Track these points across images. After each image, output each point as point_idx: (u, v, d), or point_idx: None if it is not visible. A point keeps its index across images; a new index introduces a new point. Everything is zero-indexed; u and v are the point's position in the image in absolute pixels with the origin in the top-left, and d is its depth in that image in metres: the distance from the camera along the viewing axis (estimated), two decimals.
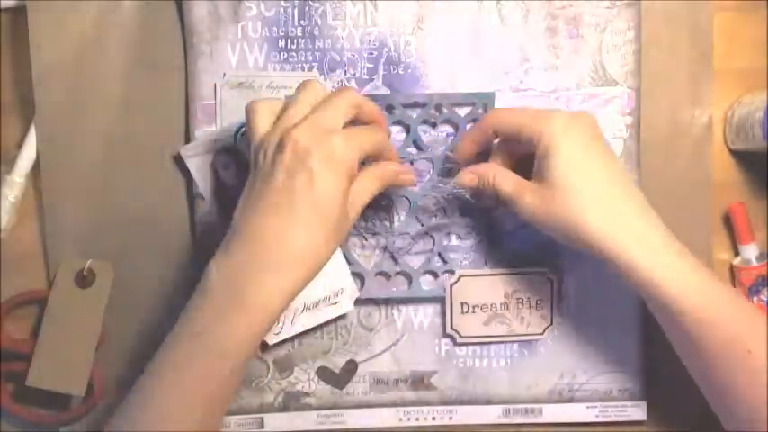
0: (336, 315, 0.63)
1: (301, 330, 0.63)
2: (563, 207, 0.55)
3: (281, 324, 0.62)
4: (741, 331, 0.54)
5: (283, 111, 0.54)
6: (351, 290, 0.63)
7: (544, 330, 0.65)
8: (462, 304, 0.64)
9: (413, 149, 0.64)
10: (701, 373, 0.57)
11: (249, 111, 0.55)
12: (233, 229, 0.53)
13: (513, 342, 0.65)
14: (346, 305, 0.63)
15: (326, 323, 0.64)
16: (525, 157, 0.58)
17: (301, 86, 0.56)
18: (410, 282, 0.65)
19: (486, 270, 0.64)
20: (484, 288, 0.64)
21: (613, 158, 0.57)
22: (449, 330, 0.64)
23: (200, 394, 0.52)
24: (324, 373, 0.65)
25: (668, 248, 0.55)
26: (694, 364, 0.57)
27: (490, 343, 0.65)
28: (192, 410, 0.52)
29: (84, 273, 0.63)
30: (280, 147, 0.52)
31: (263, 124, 0.55)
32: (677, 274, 0.54)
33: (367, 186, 0.56)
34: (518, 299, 0.64)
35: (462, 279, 0.64)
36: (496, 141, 0.60)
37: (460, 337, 0.64)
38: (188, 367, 0.52)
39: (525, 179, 0.57)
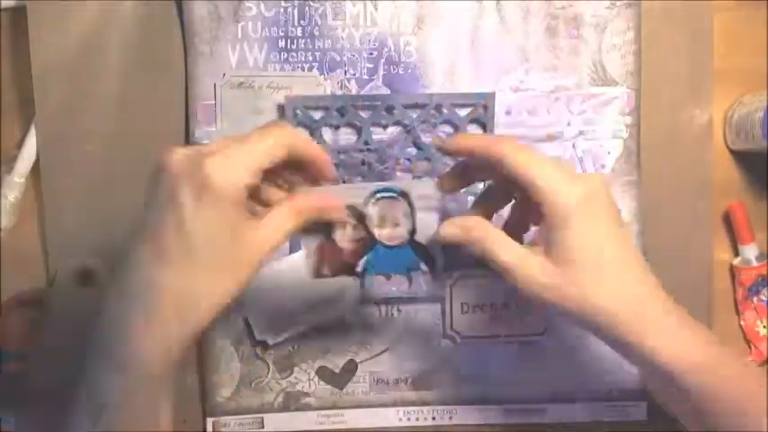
0: (336, 315, 0.63)
1: (301, 330, 0.63)
2: (572, 285, 0.48)
3: (280, 324, 0.62)
4: (742, 396, 0.49)
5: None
6: (350, 290, 0.63)
7: (544, 330, 0.65)
8: (462, 304, 0.64)
9: (413, 149, 0.64)
10: None
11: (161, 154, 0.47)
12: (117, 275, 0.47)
13: (513, 342, 0.65)
14: (346, 305, 0.63)
15: (326, 323, 0.64)
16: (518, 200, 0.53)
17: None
18: (410, 282, 0.65)
19: (486, 270, 0.64)
20: (484, 288, 0.64)
21: (625, 238, 0.50)
22: (449, 331, 0.64)
23: None
24: (324, 373, 0.65)
25: (677, 331, 0.49)
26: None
27: (490, 343, 0.65)
28: None
29: (84, 273, 0.63)
30: (154, 178, 0.46)
31: (169, 158, 0.46)
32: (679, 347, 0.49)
33: (280, 225, 0.47)
34: (518, 299, 0.64)
35: (462, 279, 0.64)
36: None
37: (461, 338, 0.64)
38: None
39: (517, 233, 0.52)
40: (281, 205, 0.48)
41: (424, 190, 0.53)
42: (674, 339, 0.48)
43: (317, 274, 0.53)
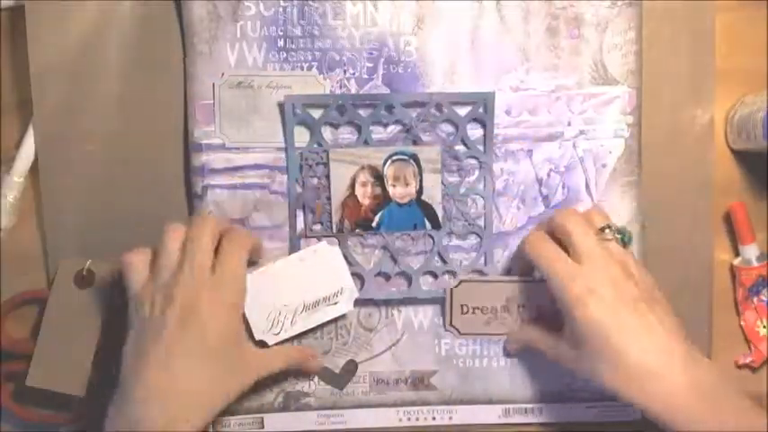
0: (336, 315, 0.63)
1: (301, 331, 0.63)
2: (591, 368, 0.56)
3: (280, 325, 0.62)
4: None
5: (156, 261, 0.57)
6: (350, 290, 0.63)
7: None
8: (462, 306, 0.64)
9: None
10: None
11: (124, 265, 0.58)
12: (124, 391, 0.55)
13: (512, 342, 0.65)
14: (346, 305, 0.63)
15: (326, 323, 0.64)
16: None
17: (163, 233, 0.58)
18: (410, 282, 0.65)
19: (487, 277, 0.64)
20: (484, 293, 0.64)
21: (641, 313, 0.56)
22: (448, 327, 0.64)
23: None
24: (324, 374, 0.65)
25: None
26: None
27: (490, 340, 0.65)
28: None
29: (84, 273, 0.63)
30: (164, 303, 0.55)
31: (138, 277, 0.57)
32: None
33: (284, 356, 0.62)
34: (519, 304, 0.64)
35: (463, 284, 0.64)
36: None
37: (460, 334, 0.65)
38: None
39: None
40: (282, 348, 0.62)
41: (430, 155, 0.62)
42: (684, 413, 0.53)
43: (339, 228, 0.63)
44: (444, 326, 0.65)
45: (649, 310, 0.56)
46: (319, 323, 0.63)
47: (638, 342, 0.55)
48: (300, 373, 0.64)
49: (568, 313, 0.56)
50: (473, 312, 0.64)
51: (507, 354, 0.65)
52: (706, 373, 0.54)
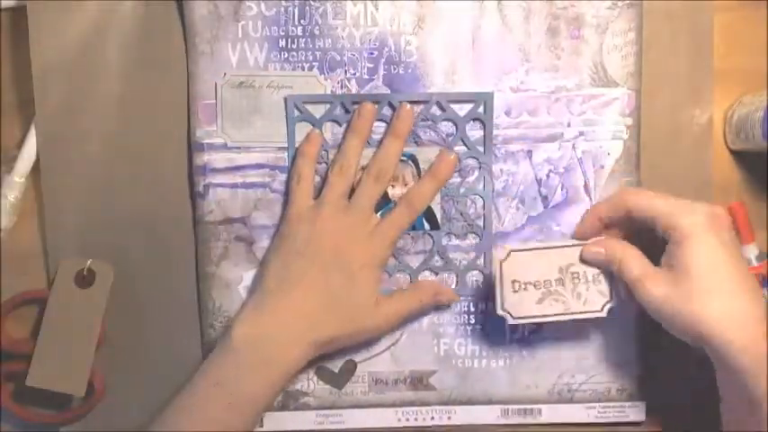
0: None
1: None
2: (687, 297, 0.55)
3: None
4: None
5: (326, 182, 0.62)
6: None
7: (603, 307, 0.60)
8: (514, 282, 0.60)
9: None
10: None
11: (295, 174, 0.62)
12: (263, 289, 0.60)
13: (570, 320, 0.61)
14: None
15: None
16: (647, 235, 0.59)
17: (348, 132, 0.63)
18: (410, 281, 0.65)
19: (538, 244, 0.63)
20: (536, 263, 0.60)
21: (744, 265, 0.57)
22: (500, 311, 0.60)
23: None
24: (323, 373, 0.65)
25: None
26: None
27: (546, 323, 0.61)
28: None
29: (84, 273, 0.63)
30: (319, 238, 0.60)
31: (303, 194, 0.62)
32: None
33: (403, 307, 0.63)
34: (573, 273, 0.61)
35: (512, 254, 0.60)
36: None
37: (513, 318, 0.60)
38: (202, 413, 0.57)
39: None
40: (408, 290, 0.64)
41: (429, 156, 0.63)
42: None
43: None
44: (497, 309, 0.60)
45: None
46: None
47: (751, 290, 0.55)
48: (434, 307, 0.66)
49: (685, 240, 0.55)
50: (525, 289, 0.61)
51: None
52: None
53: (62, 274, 0.63)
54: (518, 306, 0.60)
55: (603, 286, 0.60)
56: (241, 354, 0.58)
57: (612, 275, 0.60)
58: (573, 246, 0.61)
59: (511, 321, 0.60)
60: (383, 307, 0.61)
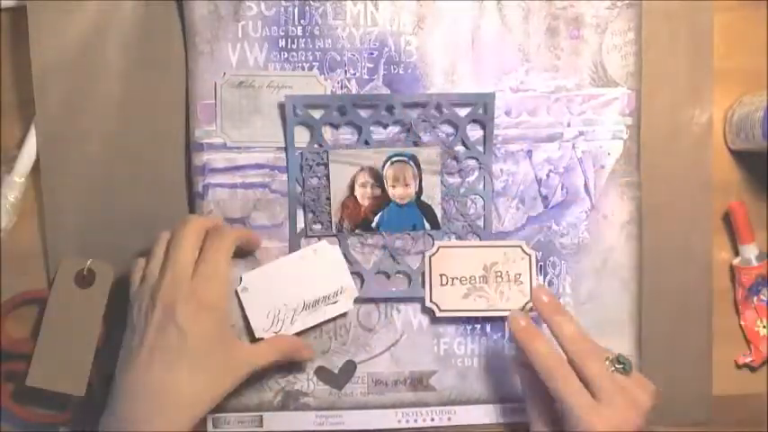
0: (335, 314, 0.63)
1: (300, 329, 0.63)
2: None
3: (280, 323, 0.62)
4: None
5: (146, 266, 0.59)
6: (350, 289, 0.63)
7: (524, 306, 0.63)
8: (441, 276, 0.64)
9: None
10: None
11: (130, 269, 0.60)
12: (115, 388, 0.57)
13: (493, 317, 0.65)
14: (345, 304, 0.63)
15: (325, 323, 0.64)
16: None
17: (154, 239, 0.60)
18: (410, 281, 0.65)
19: (465, 242, 0.64)
20: (462, 260, 0.64)
21: None
22: (428, 303, 0.64)
23: None
24: (322, 374, 0.65)
25: None
26: None
27: (470, 317, 0.65)
28: None
29: (84, 273, 0.63)
30: (149, 306, 0.57)
31: (134, 282, 0.59)
32: None
33: (265, 354, 0.60)
34: (496, 272, 0.63)
35: (441, 250, 0.64)
36: None
37: (440, 310, 0.64)
38: None
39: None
40: (272, 339, 0.62)
41: (429, 156, 0.63)
42: None
43: (339, 229, 0.63)
44: (426, 302, 0.64)
45: None
46: (319, 322, 0.63)
47: None
48: (294, 365, 0.64)
49: None
50: (452, 284, 0.64)
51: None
52: None
53: (62, 274, 0.63)
54: (445, 299, 0.64)
55: (524, 287, 0.63)
56: None
57: (532, 277, 0.63)
58: (498, 246, 0.63)
59: (438, 314, 0.64)
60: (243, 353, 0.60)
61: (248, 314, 0.62)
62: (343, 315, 0.64)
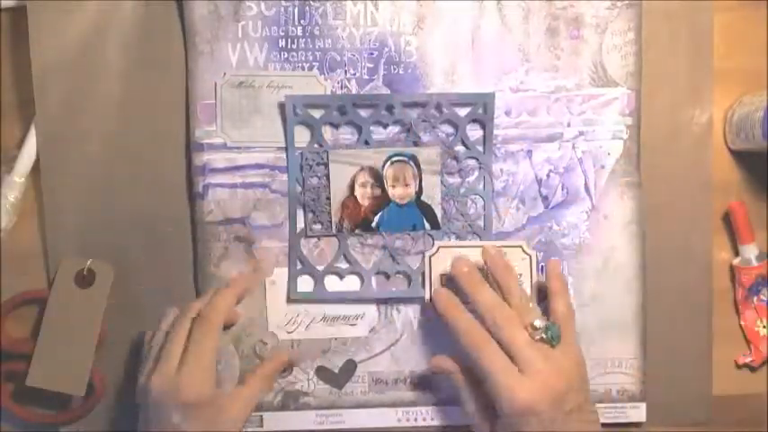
0: (350, 336, 0.64)
1: (313, 338, 0.64)
2: None
3: (295, 325, 0.63)
4: None
5: (148, 350, 0.61)
6: (371, 318, 0.64)
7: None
8: (441, 276, 0.63)
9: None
10: None
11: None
12: None
13: None
14: (362, 330, 0.64)
15: (325, 322, 0.64)
16: None
17: (161, 314, 0.62)
18: (410, 281, 0.65)
19: (465, 243, 0.64)
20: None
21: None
22: (428, 301, 0.63)
23: None
24: (323, 373, 0.65)
25: None
26: None
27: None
28: None
29: (84, 273, 0.63)
30: (147, 405, 0.58)
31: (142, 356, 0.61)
32: None
33: (250, 398, 0.61)
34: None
35: (441, 250, 0.63)
36: None
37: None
38: None
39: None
40: (248, 383, 0.62)
41: (429, 156, 0.63)
42: None
43: (339, 228, 0.63)
44: (426, 299, 0.64)
45: (578, 420, 0.57)
46: (333, 337, 0.64)
47: None
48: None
49: (504, 415, 0.56)
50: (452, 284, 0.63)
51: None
52: None
53: (62, 274, 0.64)
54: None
55: (525, 286, 0.63)
56: None
57: (533, 277, 0.62)
58: (498, 246, 0.63)
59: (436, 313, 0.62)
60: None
61: (268, 307, 0.62)
62: (343, 315, 0.64)
